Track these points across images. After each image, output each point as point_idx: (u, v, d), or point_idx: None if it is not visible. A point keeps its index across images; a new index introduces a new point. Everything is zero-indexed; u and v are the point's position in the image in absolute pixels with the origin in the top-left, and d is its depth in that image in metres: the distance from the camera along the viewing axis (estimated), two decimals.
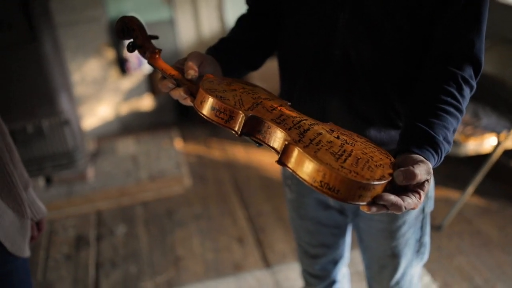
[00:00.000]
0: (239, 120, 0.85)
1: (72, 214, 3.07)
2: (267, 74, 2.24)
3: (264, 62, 1.25)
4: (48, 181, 3.30)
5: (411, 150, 0.87)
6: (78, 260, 2.64)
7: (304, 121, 0.88)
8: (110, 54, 3.87)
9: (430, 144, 0.89)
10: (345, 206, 1.31)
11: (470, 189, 2.59)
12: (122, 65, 3.87)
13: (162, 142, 3.79)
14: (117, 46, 3.83)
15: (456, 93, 0.95)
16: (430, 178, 0.82)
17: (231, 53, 1.15)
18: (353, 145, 0.84)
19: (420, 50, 1.04)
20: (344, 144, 0.83)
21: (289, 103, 0.97)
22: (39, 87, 2.97)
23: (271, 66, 1.39)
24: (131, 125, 4.15)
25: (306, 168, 0.75)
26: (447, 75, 0.97)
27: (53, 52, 3.00)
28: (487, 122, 2.57)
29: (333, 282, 1.55)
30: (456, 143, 2.46)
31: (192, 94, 0.96)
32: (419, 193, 0.79)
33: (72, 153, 3.21)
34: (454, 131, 0.94)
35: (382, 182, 0.76)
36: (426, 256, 1.36)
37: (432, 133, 0.90)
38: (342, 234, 1.44)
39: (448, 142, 0.92)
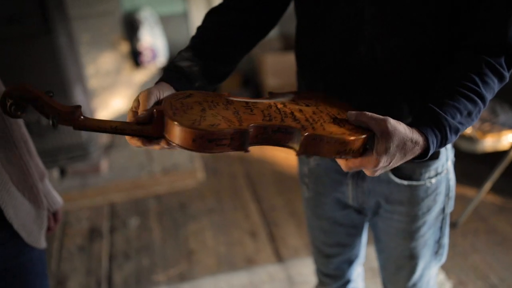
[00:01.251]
0: (246, 137, 0.81)
1: (86, 206, 3.09)
2: (280, 68, 2.21)
3: (230, 74, 1.13)
4: (62, 173, 3.32)
5: (415, 126, 0.88)
6: (92, 251, 2.65)
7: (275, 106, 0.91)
8: (124, 47, 3.87)
9: (433, 121, 0.88)
10: (364, 205, 1.28)
11: (487, 186, 2.55)
12: (136, 58, 3.87)
13: None
14: (131, 39, 3.83)
15: (477, 78, 0.93)
16: (395, 139, 0.83)
17: (191, 74, 1.01)
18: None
19: (446, 44, 1.01)
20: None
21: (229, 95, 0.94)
22: (53, 79, 2.98)
23: (284, 61, 1.36)
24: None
25: (329, 144, 0.84)
26: (472, 62, 0.95)
27: (67, 45, 3.01)
28: (504, 118, 2.53)
29: (348, 281, 1.53)
30: (473, 140, 2.42)
31: (152, 137, 0.84)
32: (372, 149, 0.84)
33: (86, 145, 3.22)
34: (469, 114, 0.92)
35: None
36: (444, 258, 1.32)
37: (438, 110, 0.89)
38: (359, 233, 1.42)
39: (459, 123, 0.90)
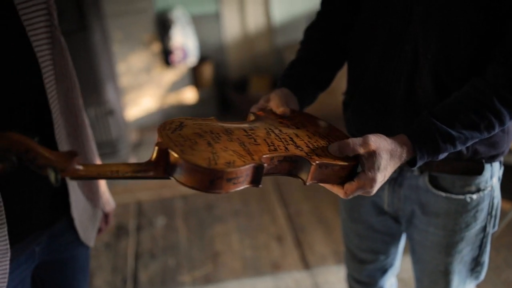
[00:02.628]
0: (261, 172, 0.78)
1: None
2: None
3: (334, 78, 1.23)
4: None
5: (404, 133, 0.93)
6: (118, 249, 2.66)
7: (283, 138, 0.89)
8: (156, 46, 3.89)
9: (423, 129, 0.92)
10: (399, 212, 1.25)
11: None
12: (166, 57, 3.89)
13: None
14: (162, 38, 3.85)
15: (483, 87, 0.93)
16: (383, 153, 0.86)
17: (303, 78, 1.14)
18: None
19: (488, 49, 0.98)
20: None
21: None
22: (86, 76, 3.00)
23: None
24: (173, 117, 4.16)
25: (333, 171, 0.85)
26: (501, 77, 0.93)
27: (101, 42, 3.04)
28: None
29: None
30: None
31: (157, 178, 0.75)
32: (364, 172, 0.86)
33: (115, 143, 3.24)
34: (473, 124, 0.93)
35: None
36: (482, 276, 1.28)
37: (432, 118, 0.92)
38: (395, 242, 1.39)
39: (459, 132, 0.92)
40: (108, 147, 3.23)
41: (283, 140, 0.87)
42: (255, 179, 0.78)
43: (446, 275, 1.24)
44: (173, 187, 3.21)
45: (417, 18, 1.00)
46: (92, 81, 3.03)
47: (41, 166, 0.68)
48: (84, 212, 1.15)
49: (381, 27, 1.07)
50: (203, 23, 4.06)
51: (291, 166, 0.84)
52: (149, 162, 0.74)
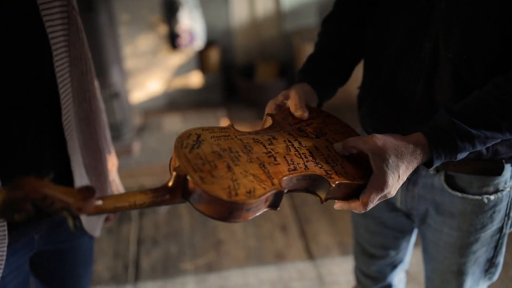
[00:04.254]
0: (281, 197, 0.76)
1: None
2: None
3: (352, 72, 1.20)
4: None
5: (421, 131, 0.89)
6: (120, 234, 2.63)
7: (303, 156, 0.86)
8: (162, 29, 3.83)
9: (440, 127, 0.88)
10: (412, 211, 1.21)
11: None
12: (173, 41, 3.83)
13: (208, 121, 3.75)
14: (169, 20, 3.79)
15: (506, 86, 0.88)
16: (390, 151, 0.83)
17: (322, 72, 1.11)
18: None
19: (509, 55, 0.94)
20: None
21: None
22: (92, 58, 2.96)
23: None
24: (178, 102, 4.12)
25: (347, 187, 0.84)
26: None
27: (108, 24, 2.98)
28: None
29: (389, 285, 1.47)
30: None
31: (175, 203, 0.73)
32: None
33: (119, 126, 3.20)
34: (493, 124, 0.89)
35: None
36: (495, 277, 1.25)
37: (450, 116, 0.88)
38: (406, 238, 1.35)
39: (478, 130, 0.88)
40: (112, 130, 3.19)
41: (302, 156, 0.84)
42: (274, 203, 0.76)
43: (459, 275, 1.21)
44: None
45: (439, 15, 0.95)
46: (97, 64, 2.96)
47: (58, 209, 0.64)
48: None
49: (400, 24, 1.02)
50: (211, 6, 4.00)
51: (310, 183, 0.82)
52: (166, 188, 0.71)
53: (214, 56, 4.05)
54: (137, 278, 2.31)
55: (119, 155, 3.28)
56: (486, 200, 1.09)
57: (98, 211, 0.66)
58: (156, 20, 3.81)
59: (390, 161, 0.83)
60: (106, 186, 1.18)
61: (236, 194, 0.69)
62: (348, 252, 2.39)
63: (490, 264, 1.21)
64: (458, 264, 1.19)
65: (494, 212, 1.11)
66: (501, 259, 1.22)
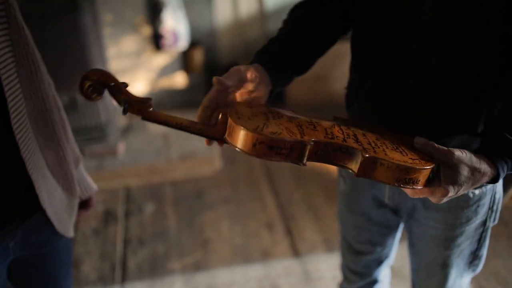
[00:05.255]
0: (304, 150, 0.82)
1: (102, 189, 3.07)
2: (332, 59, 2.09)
3: (313, 66, 1.16)
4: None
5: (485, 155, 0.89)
6: (106, 235, 2.63)
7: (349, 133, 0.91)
8: (146, 29, 3.83)
9: (505, 150, 0.89)
10: (400, 206, 1.24)
11: (511, 191, 2.48)
12: (157, 41, 3.83)
13: None
14: (153, 21, 3.79)
15: None
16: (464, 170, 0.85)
17: (281, 58, 1.05)
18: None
19: (510, 47, 0.95)
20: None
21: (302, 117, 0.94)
22: (76, 59, 2.95)
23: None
24: (163, 102, 4.12)
25: (389, 170, 0.84)
26: None
27: (92, 24, 2.98)
28: None
29: (375, 281, 1.49)
30: None
31: (214, 138, 0.87)
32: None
33: (104, 127, 3.20)
34: None
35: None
36: (479, 268, 1.28)
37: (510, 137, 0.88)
38: (392, 234, 1.38)
39: None
40: (97, 131, 3.18)
41: (345, 134, 0.89)
42: (299, 157, 0.82)
43: (444, 268, 1.24)
44: (163, 173, 3.18)
45: (427, 13, 0.96)
46: (81, 64, 2.97)
47: (120, 100, 0.84)
48: (60, 203, 1.10)
49: (390, 23, 1.03)
50: (195, 7, 4.01)
51: (345, 157, 0.86)
52: (210, 123, 0.87)
53: (198, 56, 4.06)
54: (124, 278, 2.31)
55: (104, 156, 3.27)
56: (471, 195, 1.12)
57: (152, 118, 0.85)
58: (140, 21, 3.81)
59: (460, 179, 0.86)
60: (75, 186, 1.15)
61: (262, 130, 0.79)
62: (334, 249, 2.42)
63: (474, 257, 1.24)
64: (443, 257, 1.22)
65: (478, 206, 1.14)
66: (484, 252, 1.25)
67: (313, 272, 2.29)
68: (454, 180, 0.84)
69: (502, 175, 0.88)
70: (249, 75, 0.94)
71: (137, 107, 0.84)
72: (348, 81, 1.22)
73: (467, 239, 1.19)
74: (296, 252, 2.43)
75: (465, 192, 0.89)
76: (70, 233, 1.15)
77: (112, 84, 0.83)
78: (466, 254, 1.22)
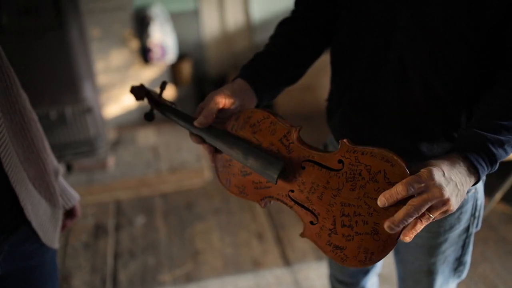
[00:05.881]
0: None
1: (92, 202, 3.07)
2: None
3: (303, 75, 1.20)
4: (69, 168, 3.31)
5: (460, 154, 0.87)
6: (97, 249, 2.63)
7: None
8: (134, 43, 3.85)
9: (477, 144, 0.87)
10: None
11: (498, 196, 2.52)
12: (145, 55, 3.85)
13: (182, 133, 3.77)
14: (140, 35, 3.81)
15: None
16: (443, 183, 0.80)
17: (266, 71, 1.09)
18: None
19: (485, 58, 0.98)
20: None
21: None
22: (63, 74, 2.96)
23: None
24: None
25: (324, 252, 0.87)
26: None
27: (78, 39, 2.99)
28: None
29: None
30: None
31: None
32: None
33: (93, 141, 3.20)
34: None
35: (388, 253, 0.81)
36: (464, 274, 1.29)
37: (479, 131, 0.88)
38: None
39: (507, 136, 0.89)
40: (85, 145, 3.19)
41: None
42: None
43: (429, 275, 1.25)
44: (153, 186, 3.19)
45: (401, 27, 0.99)
46: (69, 79, 2.98)
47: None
48: (44, 214, 1.11)
49: (365, 37, 1.05)
50: (182, 20, 4.04)
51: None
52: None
53: (186, 69, 4.09)
54: None
55: (93, 170, 3.27)
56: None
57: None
58: (127, 35, 3.83)
59: (438, 173, 0.81)
60: (57, 196, 1.16)
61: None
62: (324, 257, 2.43)
63: (459, 263, 1.25)
64: (428, 264, 1.23)
65: (461, 213, 1.15)
66: (468, 258, 1.26)
67: (304, 280, 2.30)
68: (436, 174, 0.80)
69: (482, 170, 0.86)
70: (222, 105, 0.99)
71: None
72: (328, 93, 1.25)
73: (451, 245, 1.20)
74: (286, 261, 2.44)
75: (465, 189, 0.86)
76: (55, 244, 1.16)
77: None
78: (451, 260, 1.24)
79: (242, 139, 0.98)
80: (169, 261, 2.50)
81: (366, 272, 1.46)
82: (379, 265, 1.50)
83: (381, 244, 0.79)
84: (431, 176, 0.79)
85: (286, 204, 0.91)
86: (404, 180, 0.78)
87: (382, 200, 0.80)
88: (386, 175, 0.82)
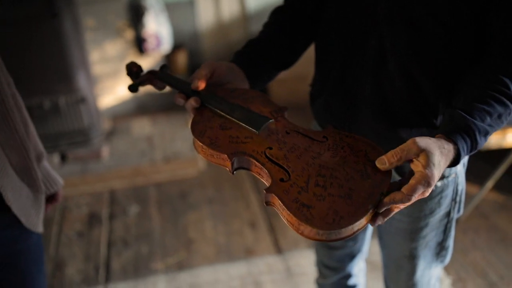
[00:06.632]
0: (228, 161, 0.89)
1: (86, 192, 3.08)
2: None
3: (298, 60, 1.23)
4: (63, 158, 3.32)
5: (448, 136, 0.87)
6: (90, 237, 2.65)
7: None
8: (129, 33, 3.84)
9: (461, 127, 0.87)
10: None
11: (489, 184, 2.53)
12: (140, 45, 3.85)
13: (177, 123, 3.78)
14: (135, 25, 3.81)
15: (510, 82, 0.92)
16: (433, 150, 0.82)
17: (259, 57, 1.13)
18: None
19: (466, 45, 0.99)
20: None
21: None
22: (57, 64, 2.96)
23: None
24: (147, 106, 4.13)
25: (286, 214, 0.81)
26: (504, 66, 0.93)
27: (72, 29, 2.99)
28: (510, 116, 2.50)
29: (349, 275, 1.52)
30: None
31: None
32: (419, 171, 0.81)
33: (87, 131, 3.21)
34: (499, 116, 0.92)
35: (358, 220, 0.78)
36: (447, 259, 1.30)
37: (466, 115, 0.88)
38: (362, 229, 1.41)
39: (489, 125, 0.90)
40: (80, 135, 3.20)
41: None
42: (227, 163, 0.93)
43: (411, 259, 1.26)
44: (147, 175, 3.20)
45: (382, 13, 1.00)
46: (62, 69, 2.99)
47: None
48: (26, 200, 1.12)
49: (347, 23, 1.06)
50: (177, 10, 4.03)
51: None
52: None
53: (182, 59, 4.08)
54: (108, 279, 2.33)
55: (88, 160, 3.28)
56: (433, 187, 1.15)
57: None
58: (122, 25, 3.82)
59: (435, 159, 0.82)
60: (39, 182, 1.17)
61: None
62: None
63: (441, 248, 1.27)
64: (410, 249, 1.25)
65: (441, 198, 1.17)
66: (451, 243, 1.28)
67: (295, 268, 2.32)
68: (433, 162, 0.81)
69: (463, 153, 0.87)
70: (215, 66, 1.04)
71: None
72: (312, 79, 1.26)
73: (432, 230, 1.21)
74: (278, 249, 2.46)
75: (442, 172, 0.86)
76: (39, 228, 1.17)
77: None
78: (433, 245, 1.25)
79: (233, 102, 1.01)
80: (162, 250, 2.51)
81: (352, 257, 1.48)
82: (366, 250, 1.51)
83: (352, 209, 0.78)
84: (428, 163, 0.81)
85: (256, 162, 0.87)
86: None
87: (380, 161, 0.84)
88: (367, 153, 0.88)
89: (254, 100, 1.02)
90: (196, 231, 2.64)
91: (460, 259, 2.32)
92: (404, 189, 0.80)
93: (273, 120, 0.97)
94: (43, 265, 1.24)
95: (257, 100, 1.02)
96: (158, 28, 3.76)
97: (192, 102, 1.00)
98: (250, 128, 0.94)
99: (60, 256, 2.51)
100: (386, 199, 0.80)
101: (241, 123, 0.95)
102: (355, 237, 1.42)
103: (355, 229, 0.79)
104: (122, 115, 4.04)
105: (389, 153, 0.83)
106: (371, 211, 0.79)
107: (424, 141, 0.82)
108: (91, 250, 2.54)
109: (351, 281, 1.55)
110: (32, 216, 1.13)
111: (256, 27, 4.14)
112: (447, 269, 2.25)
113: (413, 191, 0.79)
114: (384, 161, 0.83)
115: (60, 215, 2.85)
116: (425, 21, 0.97)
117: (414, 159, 0.82)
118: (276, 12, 1.22)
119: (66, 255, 2.51)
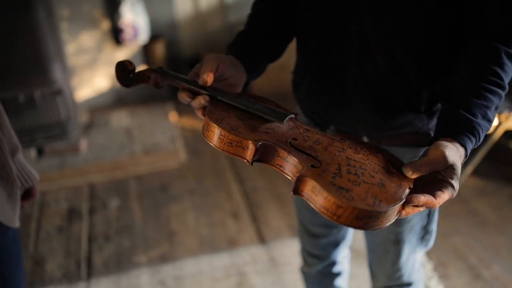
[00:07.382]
0: (250, 149, 0.83)
1: (64, 186, 3.03)
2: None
3: (285, 50, 1.21)
4: (40, 152, 3.25)
5: (447, 136, 0.89)
6: (70, 232, 2.60)
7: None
8: (105, 24, 3.77)
9: (468, 129, 0.89)
10: None
11: (468, 169, 2.56)
12: (117, 36, 3.78)
13: (156, 115, 3.73)
14: (112, 15, 3.74)
15: (499, 70, 0.92)
16: (458, 163, 0.84)
17: (253, 48, 1.12)
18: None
19: (449, 28, 0.98)
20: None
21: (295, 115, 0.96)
22: (31, 56, 2.89)
23: None
24: (125, 98, 4.07)
25: (321, 199, 0.76)
26: (491, 52, 0.93)
27: (46, 20, 2.92)
28: None
29: (333, 263, 1.52)
30: None
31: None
32: (449, 183, 0.82)
33: (64, 124, 3.15)
34: (496, 108, 0.93)
35: (395, 205, 0.77)
36: (431, 243, 1.31)
37: (470, 116, 0.90)
38: None
39: (488, 120, 0.92)
40: (57, 128, 3.13)
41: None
42: (245, 154, 0.87)
43: (396, 244, 1.27)
44: (127, 168, 3.16)
45: (364, 8, 0.99)
46: (37, 61, 2.91)
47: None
48: (1, 194, 1.08)
49: (327, 8, 1.05)
50: (154, 1, 3.97)
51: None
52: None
53: (159, 49, 4.03)
54: (90, 275, 2.29)
55: (65, 153, 3.22)
56: None
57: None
58: (98, 15, 3.75)
59: (459, 172, 0.85)
60: (13, 176, 1.13)
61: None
62: None
63: (425, 232, 1.28)
64: (395, 233, 1.25)
65: None
66: (434, 227, 1.29)
67: (279, 257, 2.32)
68: (456, 176, 0.84)
69: (468, 152, 0.90)
70: (219, 62, 0.97)
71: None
72: (294, 66, 1.24)
73: (416, 214, 1.22)
74: (262, 239, 2.45)
75: None
76: (15, 223, 1.14)
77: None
78: (417, 229, 1.26)
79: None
80: (144, 243, 2.48)
81: (336, 245, 1.48)
82: (350, 237, 1.51)
83: (388, 195, 0.77)
84: (455, 177, 0.84)
85: (282, 150, 0.83)
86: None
87: (408, 168, 0.83)
88: (384, 155, 0.90)
89: (265, 102, 0.98)
90: (178, 223, 2.62)
91: (441, 244, 2.35)
92: (438, 197, 0.81)
93: (294, 115, 0.93)
94: (21, 261, 1.20)
95: (267, 102, 0.99)
96: (135, 18, 3.70)
97: (201, 101, 0.93)
98: (274, 118, 0.90)
99: (39, 252, 2.46)
100: (415, 200, 0.79)
101: (262, 115, 0.90)
102: (339, 225, 1.42)
103: (390, 218, 0.78)
104: (100, 107, 3.97)
105: (418, 164, 0.83)
106: (403, 201, 0.79)
107: (451, 155, 0.84)
108: (71, 245, 2.50)
109: (335, 269, 1.55)
110: (7, 211, 1.10)
111: (234, 17, 4.11)
112: (428, 254, 2.28)
113: (443, 200, 0.82)
114: (410, 171, 0.83)
115: (38, 210, 2.79)
116: (407, 5, 0.96)
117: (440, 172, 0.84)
118: (258, 2, 1.21)
119: (46, 251, 2.46)
